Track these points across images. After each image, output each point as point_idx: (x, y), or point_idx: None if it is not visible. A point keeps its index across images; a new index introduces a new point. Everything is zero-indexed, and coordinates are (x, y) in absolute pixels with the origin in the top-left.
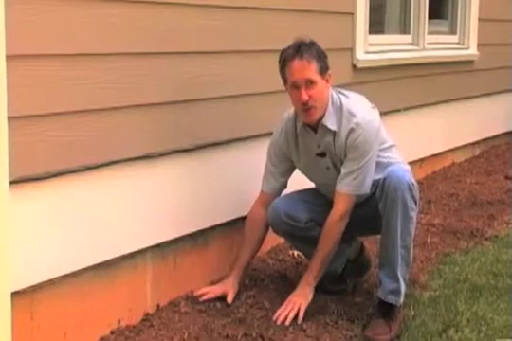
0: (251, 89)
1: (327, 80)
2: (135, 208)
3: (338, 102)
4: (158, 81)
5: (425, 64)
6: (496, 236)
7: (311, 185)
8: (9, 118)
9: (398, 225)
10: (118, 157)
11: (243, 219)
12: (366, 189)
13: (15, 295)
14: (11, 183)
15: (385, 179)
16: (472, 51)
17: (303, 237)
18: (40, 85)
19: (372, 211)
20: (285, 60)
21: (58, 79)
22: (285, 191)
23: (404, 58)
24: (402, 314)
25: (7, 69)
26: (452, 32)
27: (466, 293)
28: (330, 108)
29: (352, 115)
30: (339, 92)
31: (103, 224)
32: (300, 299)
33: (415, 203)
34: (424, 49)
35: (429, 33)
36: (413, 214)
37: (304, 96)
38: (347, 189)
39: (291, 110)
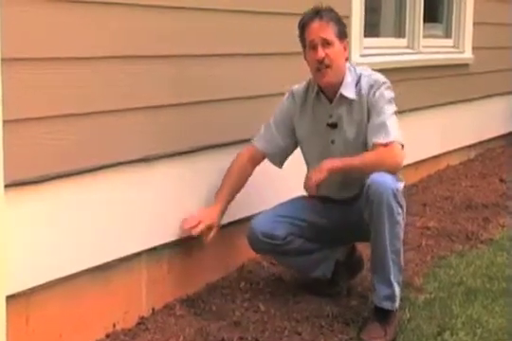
0: (252, 91)
1: (344, 48)
2: (131, 211)
3: (357, 71)
4: (158, 84)
5: (420, 68)
6: (491, 239)
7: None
8: (5, 122)
9: (386, 231)
10: (117, 160)
11: (238, 222)
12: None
13: (10, 298)
14: (6, 186)
15: (368, 186)
16: (467, 55)
17: (285, 251)
18: (36, 88)
19: (356, 219)
20: (305, 22)
21: (55, 82)
22: (277, 201)
23: (399, 61)
24: (397, 318)
25: (2, 72)
26: (447, 36)
27: (461, 296)
28: (348, 77)
29: (369, 76)
30: (354, 65)
31: (99, 227)
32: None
33: (401, 207)
34: (419, 53)
35: (425, 37)
36: (400, 218)
37: (321, 53)
38: (389, 139)
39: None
